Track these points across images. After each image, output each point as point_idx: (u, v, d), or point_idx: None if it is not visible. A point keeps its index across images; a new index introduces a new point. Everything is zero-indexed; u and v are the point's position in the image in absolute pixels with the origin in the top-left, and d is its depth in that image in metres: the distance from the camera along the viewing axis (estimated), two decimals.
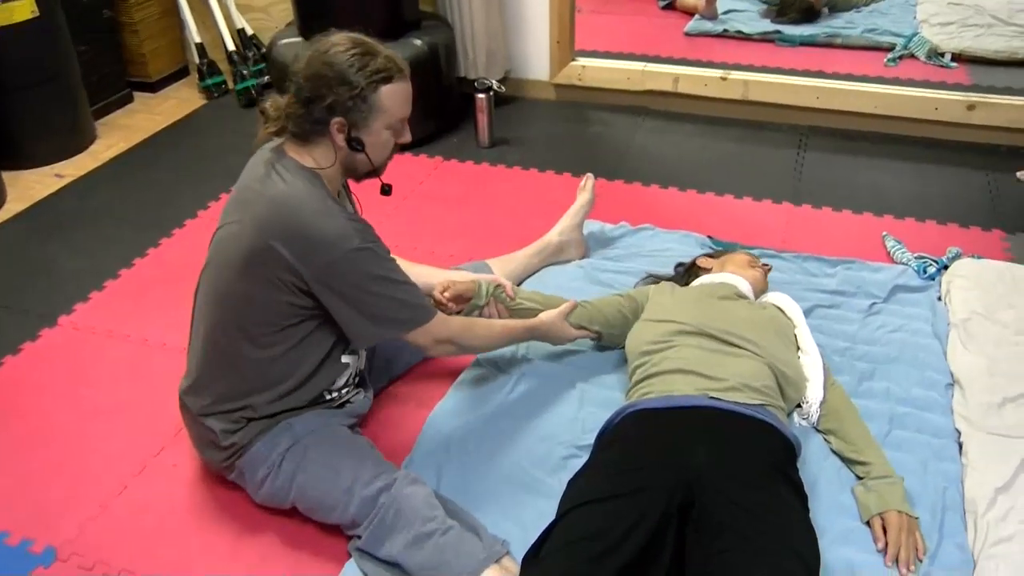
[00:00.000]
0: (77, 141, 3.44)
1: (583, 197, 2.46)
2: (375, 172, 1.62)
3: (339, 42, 1.51)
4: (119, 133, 3.57)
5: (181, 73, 4.12)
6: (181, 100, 3.89)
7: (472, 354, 1.98)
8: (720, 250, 2.25)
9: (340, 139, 1.53)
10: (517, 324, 1.87)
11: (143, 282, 2.52)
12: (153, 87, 3.97)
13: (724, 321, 1.78)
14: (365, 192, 1.76)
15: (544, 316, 1.91)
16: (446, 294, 1.88)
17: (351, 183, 1.73)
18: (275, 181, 1.52)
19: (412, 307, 1.60)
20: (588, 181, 2.48)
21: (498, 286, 1.96)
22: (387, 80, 1.50)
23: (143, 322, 2.33)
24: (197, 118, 3.70)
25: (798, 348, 1.86)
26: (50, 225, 2.87)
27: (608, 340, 2.01)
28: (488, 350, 1.92)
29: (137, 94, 3.93)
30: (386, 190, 1.67)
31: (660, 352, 1.74)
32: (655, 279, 2.16)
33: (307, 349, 1.62)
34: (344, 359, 1.70)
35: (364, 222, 1.57)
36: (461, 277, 1.99)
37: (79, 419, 2.00)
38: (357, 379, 1.80)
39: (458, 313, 1.89)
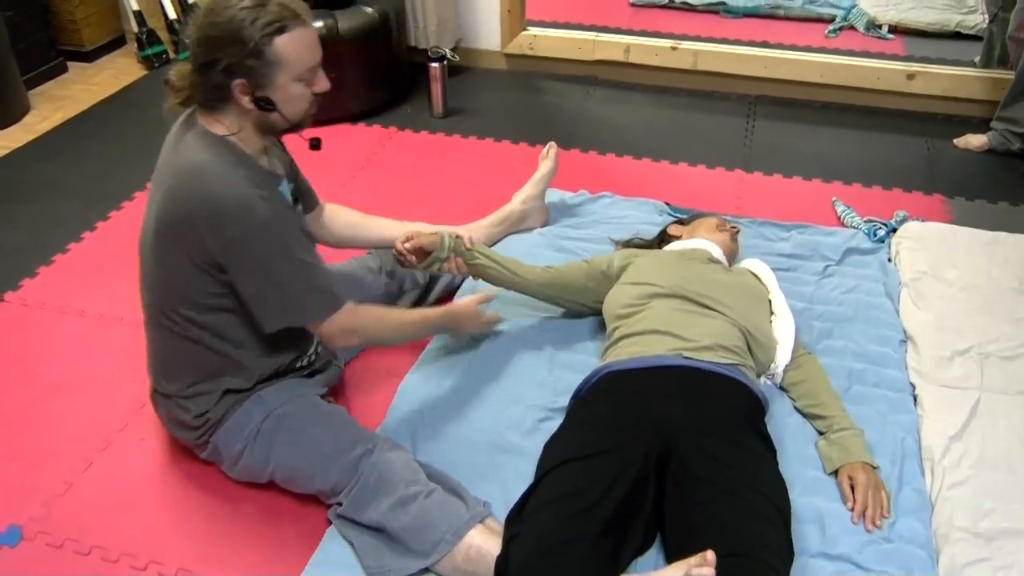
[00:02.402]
0: (8, 112, 3.29)
1: (546, 165, 2.46)
2: (295, 128, 1.52)
3: None
4: (54, 104, 3.43)
5: (117, 43, 3.97)
6: (118, 70, 3.75)
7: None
8: (689, 217, 2.29)
9: (246, 100, 1.43)
10: (431, 313, 1.83)
11: (95, 256, 2.44)
12: (87, 57, 3.82)
13: (699, 284, 1.81)
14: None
15: (459, 303, 1.88)
16: (407, 245, 1.81)
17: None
18: (182, 152, 1.46)
19: (321, 293, 1.52)
20: (551, 150, 2.48)
21: (457, 237, 1.88)
22: (281, 30, 1.39)
23: (97, 297, 2.25)
24: (138, 89, 3.57)
25: (772, 313, 1.91)
26: None
27: (568, 304, 2.03)
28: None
29: (71, 64, 3.77)
30: (315, 144, 1.60)
31: (637, 314, 1.77)
32: (624, 245, 2.19)
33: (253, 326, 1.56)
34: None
35: (277, 196, 1.49)
36: (424, 228, 1.92)
37: (36, 396, 1.93)
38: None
39: (418, 267, 1.85)
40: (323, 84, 1.51)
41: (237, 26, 1.37)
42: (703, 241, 2.03)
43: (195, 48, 1.41)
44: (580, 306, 2.02)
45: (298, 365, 1.70)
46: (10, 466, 1.76)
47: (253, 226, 1.42)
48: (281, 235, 1.46)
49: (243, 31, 1.37)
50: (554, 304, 2.04)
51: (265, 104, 1.44)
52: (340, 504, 1.55)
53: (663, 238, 2.18)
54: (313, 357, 1.73)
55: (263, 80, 1.41)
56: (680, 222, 2.23)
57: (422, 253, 1.83)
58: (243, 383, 1.60)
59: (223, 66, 1.39)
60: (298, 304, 1.51)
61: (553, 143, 2.51)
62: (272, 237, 1.45)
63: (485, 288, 2.00)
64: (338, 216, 1.96)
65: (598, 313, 1.98)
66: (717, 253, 2.00)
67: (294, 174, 1.74)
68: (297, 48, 1.42)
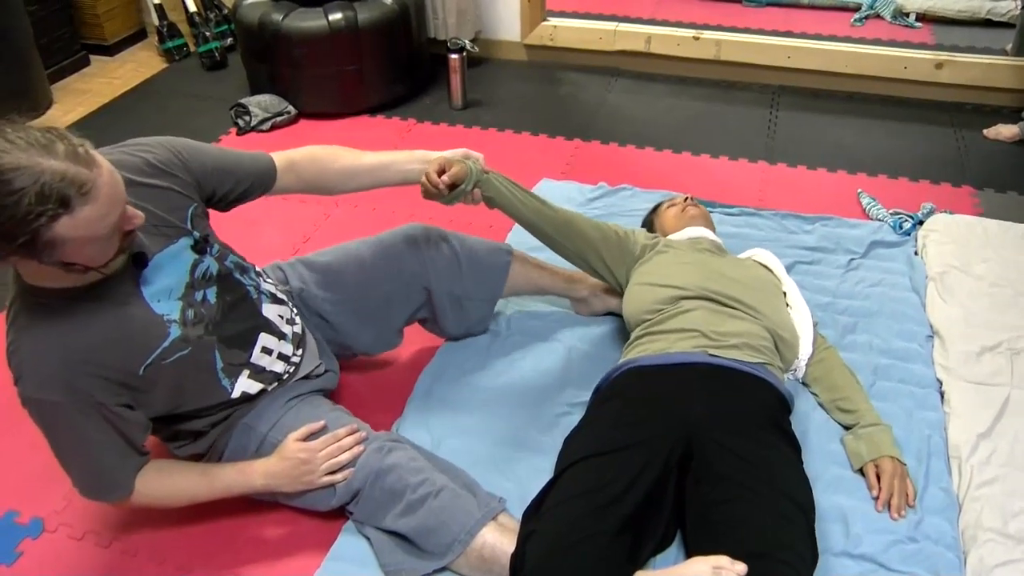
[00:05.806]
0: (32, 106, 3.31)
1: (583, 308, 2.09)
2: (118, 254, 1.24)
3: None
4: (77, 98, 3.45)
5: (139, 36, 3.99)
6: (140, 64, 3.77)
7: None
8: (646, 217, 2.21)
9: (35, 264, 1.16)
10: (232, 480, 1.51)
11: None
12: (109, 50, 3.84)
13: (722, 284, 1.76)
14: None
15: (237, 468, 1.53)
16: (445, 178, 1.62)
17: None
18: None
19: (93, 476, 1.41)
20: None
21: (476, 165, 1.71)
22: (56, 217, 1.07)
23: None
24: (158, 82, 3.59)
25: (788, 305, 1.87)
26: None
27: (571, 256, 1.86)
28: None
29: (93, 57, 3.80)
30: (137, 261, 1.34)
31: (664, 313, 1.73)
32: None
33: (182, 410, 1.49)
34: (243, 377, 1.52)
35: (65, 367, 1.26)
36: (440, 155, 1.70)
37: None
38: (297, 349, 1.64)
39: (443, 199, 1.66)
40: (134, 222, 1.21)
41: None
42: (690, 231, 1.98)
43: None
44: (580, 261, 1.86)
45: (270, 388, 1.59)
46: (33, 459, 1.76)
47: (23, 398, 1.29)
48: (43, 415, 1.31)
49: (6, 226, 1.06)
50: (555, 250, 1.86)
51: (62, 265, 1.17)
52: (352, 512, 1.54)
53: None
54: (286, 376, 1.61)
55: (47, 258, 1.13)
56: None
57: (455, 186, 1.66)
58: (204, 428, 1.55)
59: None
60: (73, 478, 1.42)
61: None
62: (40, 415, 1.31)
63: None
64: (328, 167, 1.65)
65: (597, 276, 1.90)
66: (707, 234, 1.98)
67: (207, 187, 1.47)
68: (84, 227, 1.11)
